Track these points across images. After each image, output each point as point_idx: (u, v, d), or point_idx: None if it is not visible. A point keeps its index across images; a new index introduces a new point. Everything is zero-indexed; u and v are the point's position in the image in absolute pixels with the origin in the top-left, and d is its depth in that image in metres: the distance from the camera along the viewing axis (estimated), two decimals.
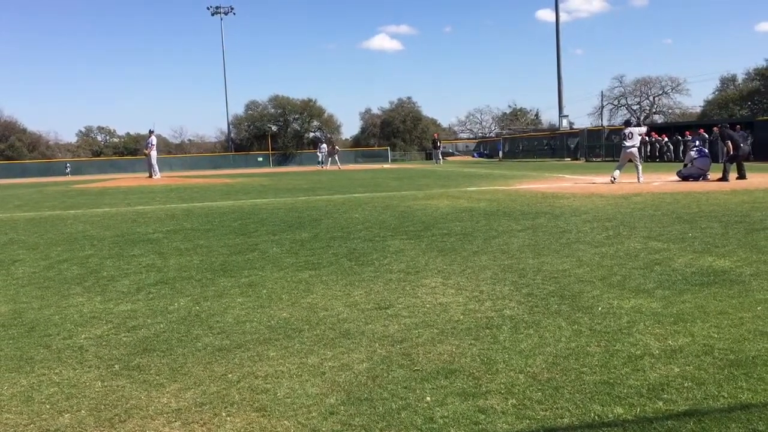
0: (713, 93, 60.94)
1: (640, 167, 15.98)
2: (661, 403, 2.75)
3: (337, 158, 43.17)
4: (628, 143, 15.89)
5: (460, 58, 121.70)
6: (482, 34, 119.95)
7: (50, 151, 65.51)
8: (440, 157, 45.12)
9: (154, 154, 25.93)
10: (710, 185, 14.18)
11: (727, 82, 60.31)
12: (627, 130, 16.23)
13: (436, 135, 49.88)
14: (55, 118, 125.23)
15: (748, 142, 27.96)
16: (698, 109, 63.12)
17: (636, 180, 15.65)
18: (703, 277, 5.06)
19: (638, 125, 17.08)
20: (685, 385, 2.93)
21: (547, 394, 2.89)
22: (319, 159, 45.55)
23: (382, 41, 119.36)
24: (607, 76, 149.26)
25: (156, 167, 25.95)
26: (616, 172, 15.82)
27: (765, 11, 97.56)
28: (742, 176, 15.48)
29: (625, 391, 2.89)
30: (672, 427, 2.53)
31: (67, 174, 49.43)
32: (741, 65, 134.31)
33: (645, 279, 5.08)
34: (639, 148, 16.41)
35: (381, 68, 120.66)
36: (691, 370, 3.11)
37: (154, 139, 26.19)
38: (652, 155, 32.89)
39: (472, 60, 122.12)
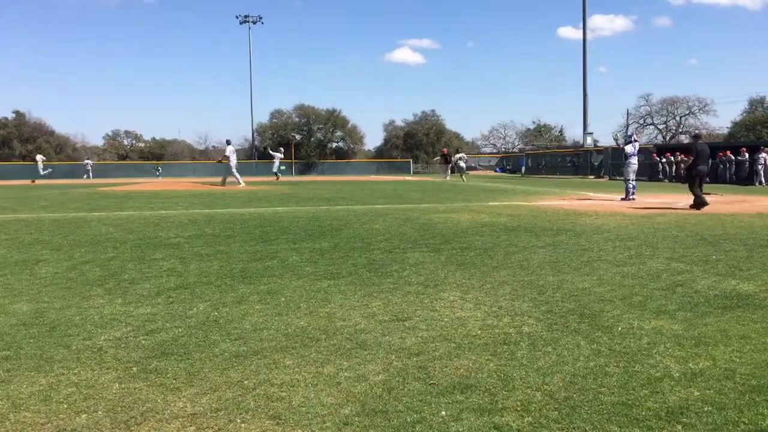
0: (741, 114, 60.20)
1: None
2: (680, 427, 2.70)
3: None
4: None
5: (483, 73, 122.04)
6: (504, 50, 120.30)
7: (77, 154, 66.55)
8: (448, 173, 37.65)
9: (233, 162, 26.61)
10: (734, 206, 13.92)
11: (756, 103, 59.52)
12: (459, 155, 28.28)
13: (445, 150, 42.89)
14: (83, 121, 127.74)
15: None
16: (725, 130, 62.35)
17: None
18: (726, 301, 4.98)
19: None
20: (705, 409, 2.88)
21: (563, 413, 2.86)
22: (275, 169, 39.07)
23: (405, 54, 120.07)
24: (630, 94, 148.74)
25: (237, 175, 26.51)
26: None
27: None
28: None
29: (643, 413, 2.85)
30: None
31: (158, 176, 49.56)
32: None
33: (667, 300, 5.02)
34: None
35: (404, 81, 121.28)
36: (712, 395, 3.05)
37: (231, 148, 27.06)
38: (677, 175, 32.49)
39: (496, 75, 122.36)
